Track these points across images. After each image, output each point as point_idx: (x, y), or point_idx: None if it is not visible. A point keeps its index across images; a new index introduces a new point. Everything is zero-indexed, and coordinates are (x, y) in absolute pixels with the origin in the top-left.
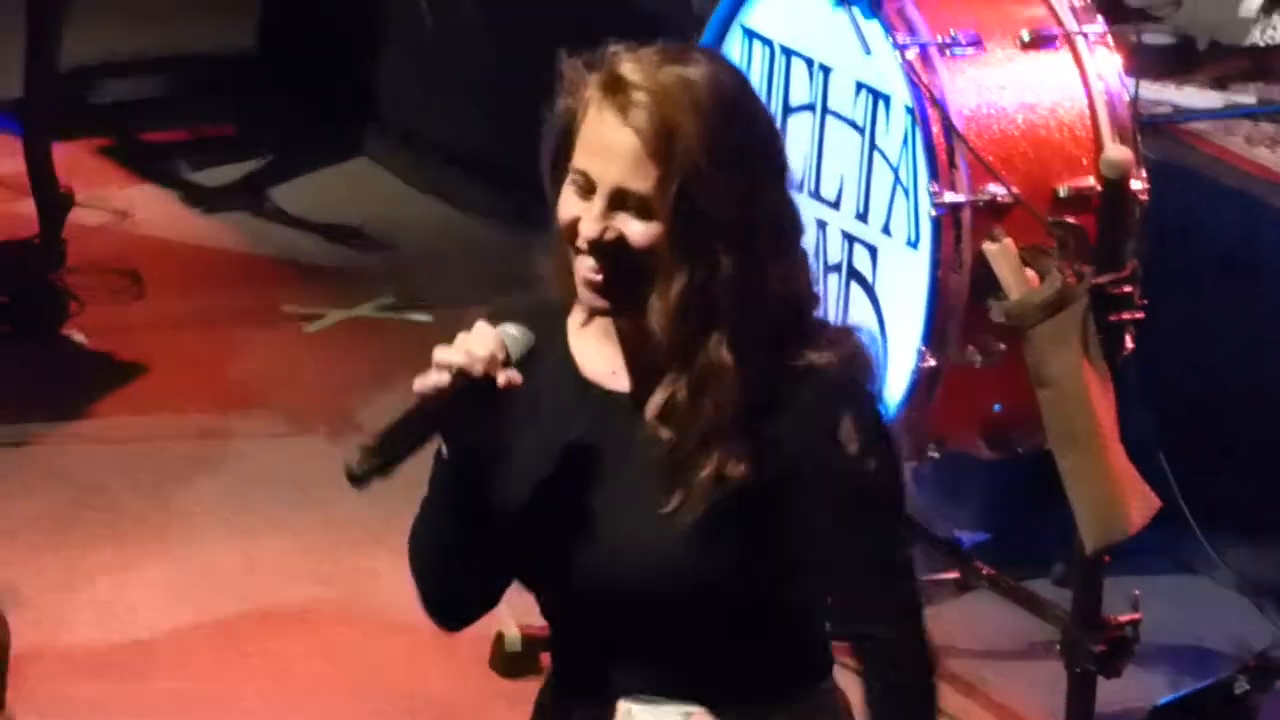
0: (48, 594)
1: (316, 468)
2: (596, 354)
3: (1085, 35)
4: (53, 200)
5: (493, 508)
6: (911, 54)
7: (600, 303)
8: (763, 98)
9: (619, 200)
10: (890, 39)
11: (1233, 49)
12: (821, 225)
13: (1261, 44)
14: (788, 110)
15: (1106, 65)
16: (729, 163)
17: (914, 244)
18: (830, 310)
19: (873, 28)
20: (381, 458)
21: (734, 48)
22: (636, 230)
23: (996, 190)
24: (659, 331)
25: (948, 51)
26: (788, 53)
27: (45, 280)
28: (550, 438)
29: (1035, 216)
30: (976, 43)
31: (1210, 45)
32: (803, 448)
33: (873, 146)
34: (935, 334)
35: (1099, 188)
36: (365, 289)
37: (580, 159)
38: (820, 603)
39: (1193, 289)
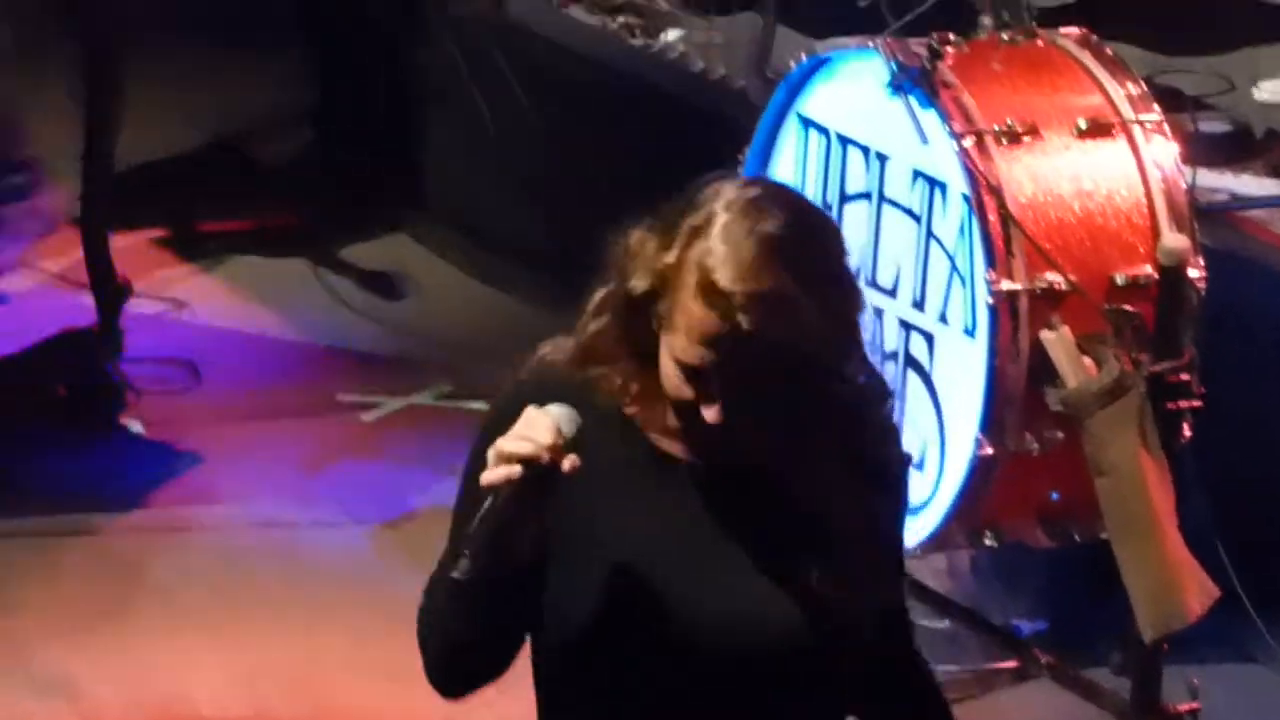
0: (106, 686)
1: (374, 558)
2: (664, 429)
3: (1142, 124)
4: (110, 291)
5: (528, 597)
6: (968, 142)
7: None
8: (819, 189)
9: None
10: (947, 128)
11: None
12: (878, 313)
13: None
14: (844, 198)
15: (1163, 153)
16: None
17: (971, 332)
18: None
19: (929, 116)
20: (475, 560)
21: (790, 136)
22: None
23: (1053, 278)
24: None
25: (1004, 140)
26: (844, 141)
27: (103, 371)
28: (638, 511)
29: (1092, 304)
30: (1033, 131)
31: (1267, 133)
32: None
33: (929, 234)
34: (993, 422)
35: (1156, 276)
36: (422, 378)
37: (684, 348)
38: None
39: (1250, 376)
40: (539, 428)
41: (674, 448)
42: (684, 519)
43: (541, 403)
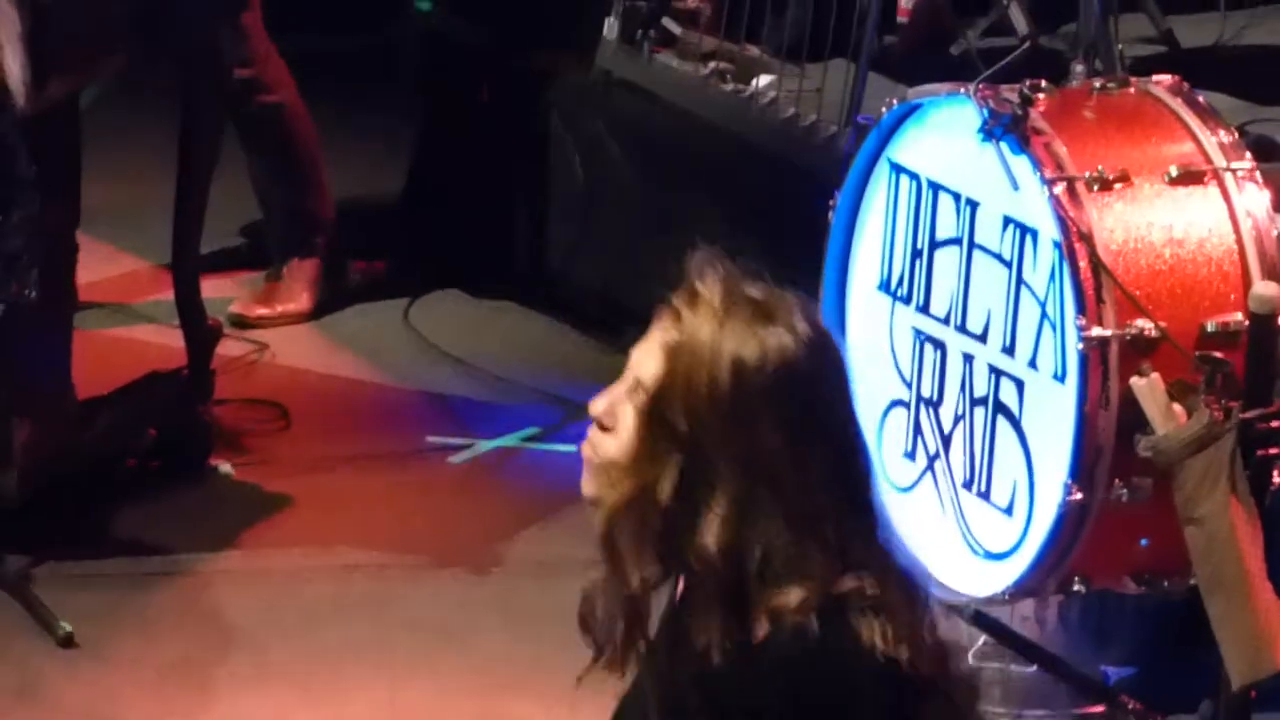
0: None
1: (460, 607)
2: None
3: (1233, 171)
4: (201, 332)
5: None
6: (1059, 189)
7: (589, 481)
8: (909, 235)
9: (633, 387)
10: (1038, 174)
11: None
12: (968, 359)
13: None
14: (934, 244)
15: (1255, 201)
16: (724, 396)
17: (1061, 378)
18: (976, 444)
19: (1020, 163)
20: None
21: (881, 181)
22: (628, 419)
23: (1144, 325)
24: (599, 531)
25: (1095, 187)
26: (935, 187)
27: (194, 413)
28: None
29: (1182, 352)
30: (1124, 178)
31: None
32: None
33: (1020, 281)
34: (1082, 469)
35: (1247, 323)
36: (511, 421)
37: None
38: None
39: None
40: None
41: None
42: None
43: None
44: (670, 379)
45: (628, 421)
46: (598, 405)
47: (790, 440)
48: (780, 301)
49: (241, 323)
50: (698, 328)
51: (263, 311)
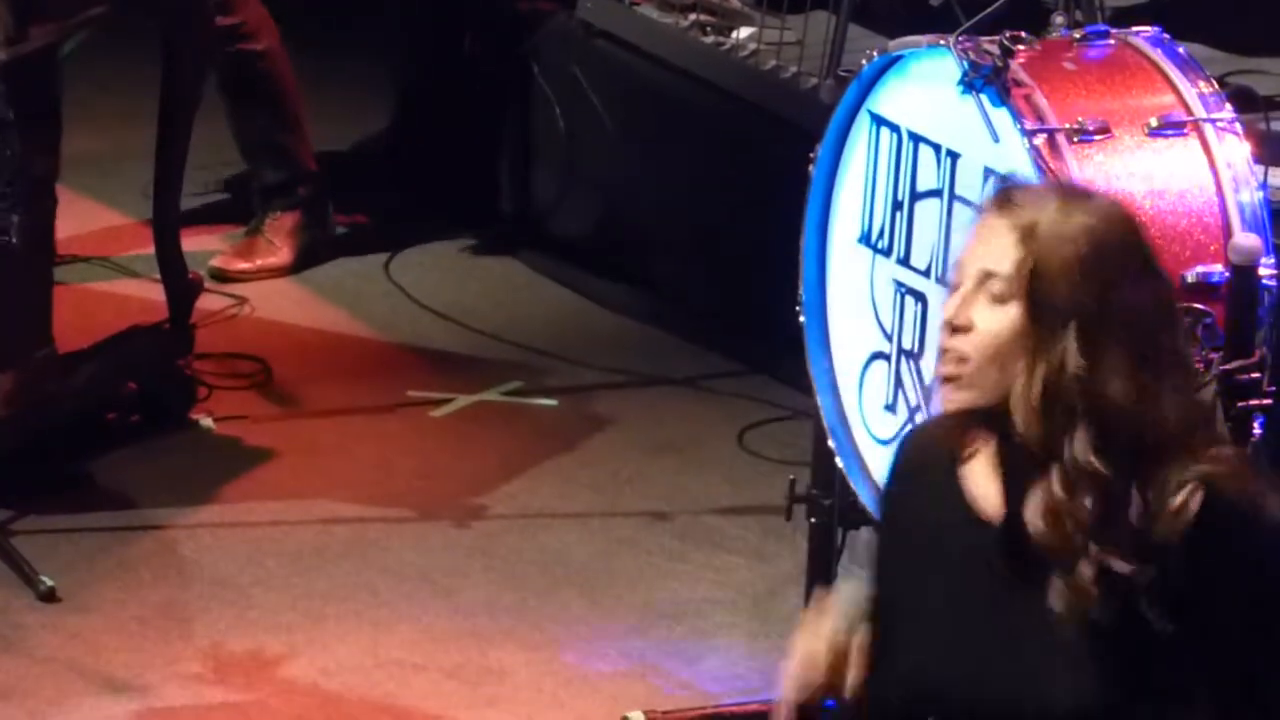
0: (175, 684)
1: (443, 555)
2: (988, 488)
3: (1214, 123)
4: (182, 287)
5: None
6: (1040, 141)
7: (955, 395)
8: (889, 186)
9: (981, 283)
10: (1018, 126)
11: None
12: None
13: None
14: (915, 196)
15: (1235, 153)
16: (1090, 261)
17: None
18: None
19: (1001, 115)
20: None
21: (862, 133)
22: (990, 315)
23: None
24: (1020, 425)
25: (1076, 138)
26: (915, 139)
27: (175, 367)
28: (959, 579)
29: None
30: (1105, 130)
31: None
32: (1201, 562)
33: None
34: None
35: (1227, 274)
36: (492, 375)
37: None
38: None
39: None
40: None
41: (997, 513)
42: (995, 590)
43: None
44: (1037, 259)
45: (1001, 315)
46: (950, 308)
47: (1153, 294)
48: (1076, 184)
49: (222, 277)
50: (1039, 211)
51: (243, 266)
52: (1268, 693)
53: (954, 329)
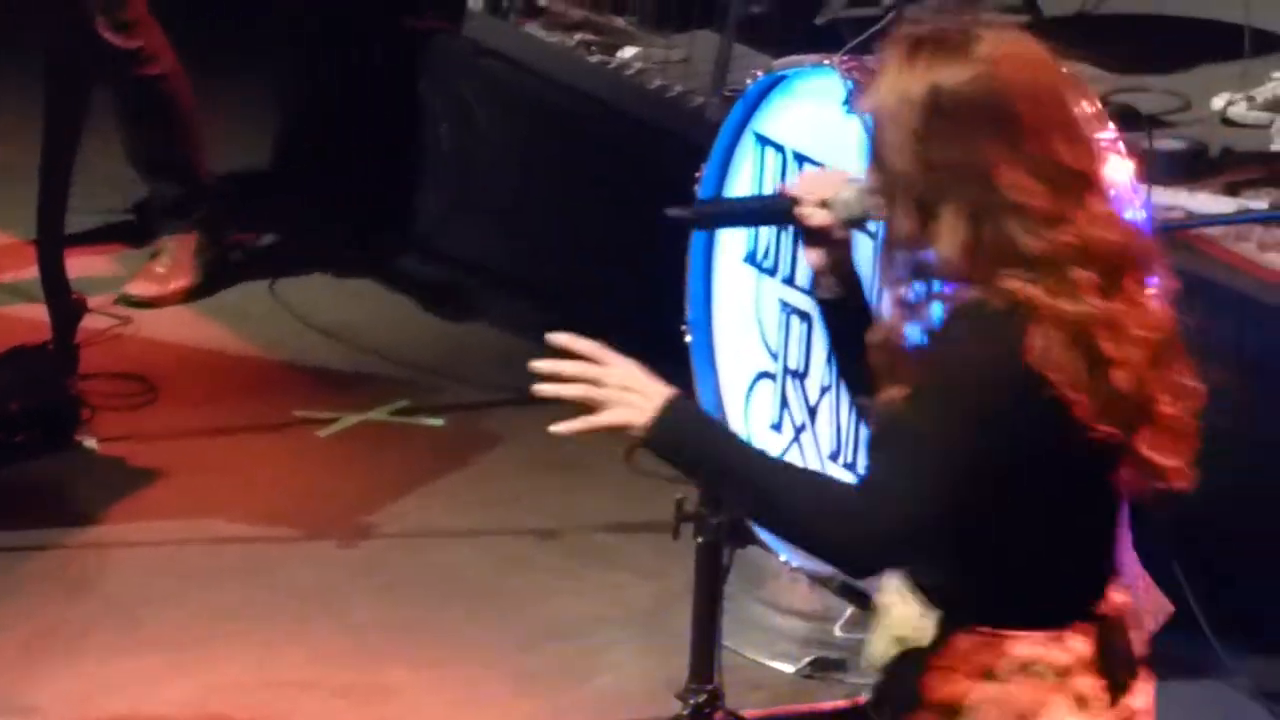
0: (61, 705)
1: (332, 574)
2: None
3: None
4: (66, 307)
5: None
6: None
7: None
8: None
9: None
10: None
11: (1245, 155)
12: None
13: (1275, 149)
14: None
15: (1119, 171)
16: (922, 134)
17: None
18: (842, 416)
19: None
20: (701, 215)
21: (746, 153)
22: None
23: None
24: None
25: None
26: (800, 159)
27: (59, 387)
28: None
29: None
30: None
31: (1222, 151)
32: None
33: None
34: None
35: None
36: (379, 394)
37: None
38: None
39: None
40: (819, 181)
41: None
42: None
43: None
44: (877, 137)
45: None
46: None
47: (998, 149)
48: (962, 35)
49: (135, 303)
50: (887, 84)
51: (156, 291)
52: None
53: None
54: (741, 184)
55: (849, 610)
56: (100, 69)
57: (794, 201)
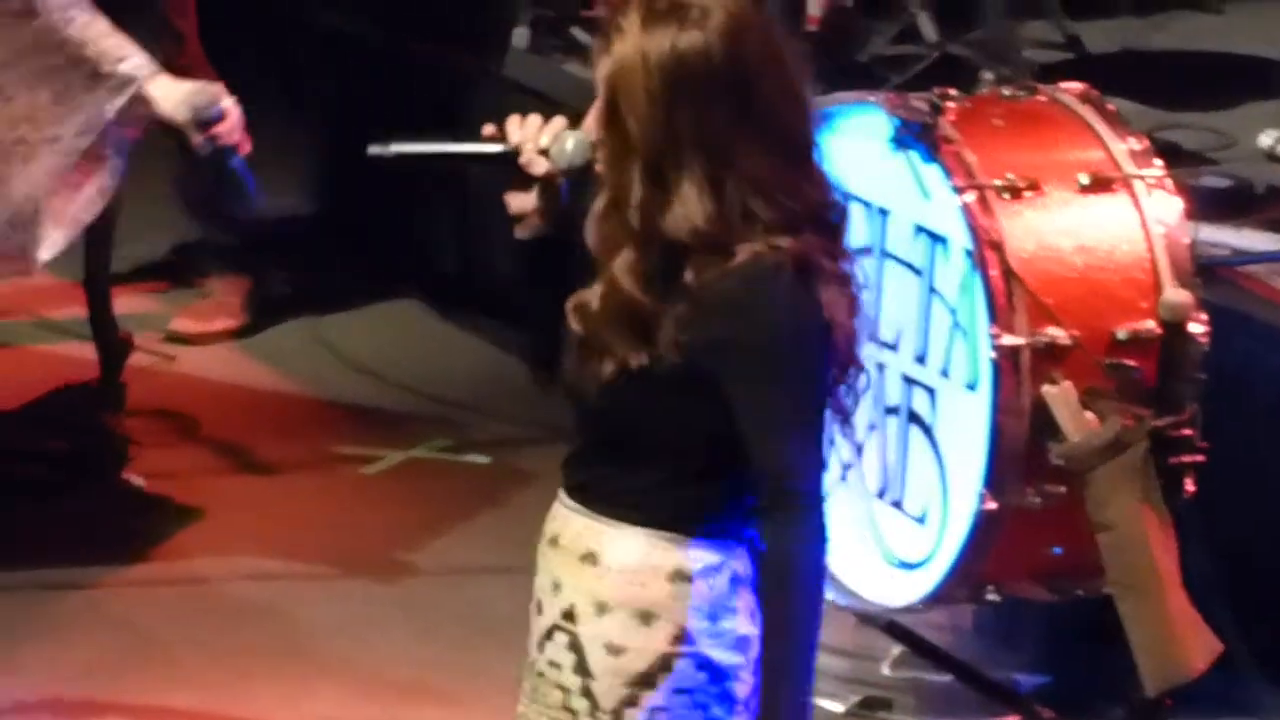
0: None
1: (371, 612)
2: None
3: (1143, 179)
4: (113, 345)
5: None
6: (970, 197)
7: None
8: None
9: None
10: (948, 183)
11: None
12: (880, 368)
13: None
14: None
15: (1165, 209)
16: (659, 99)
17: (973, 386)
18: (890, 453)
19: (931, 171)
20: (402, 156)
21: None
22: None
23: (1055, 333)
24: (589, 239)
25: (1006, 195)
26: (845, 196)
27: (105, 424)
28: None
29: (1094, 359)
30: (1035, 186)
31: (1267, 188)
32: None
33: (931, 289)
34: (995, 477)
35: (1158, 331)
36: (422, 431)
37: None
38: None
39: (1251, 432)
40: (540, 126)
41: None
42: None
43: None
44: (611, 100)
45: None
46: (586, 122)
47: (737, 118)
48: (697, 4)
49: (180, 341)
50: (624, 49)
51: (201, 329)
52: (750, 424)
53: (594, 145)
54: None
55: (895, 649)
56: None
57: (516, 150)
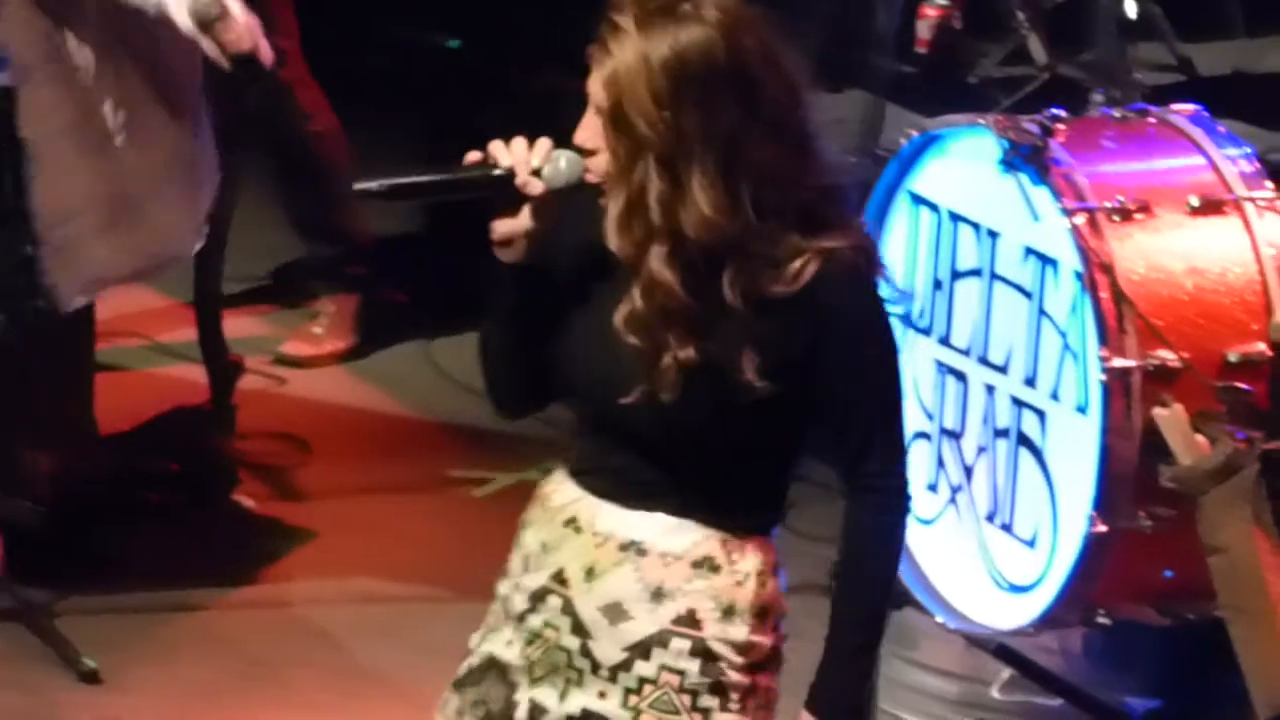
0: None
1: None
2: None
3: (1254, 200)
4: (223, 368)
5: (536, 314)
6: (1080, 220)
7: (603, 201)
8: (930, 266)
9: (598, 114)
10: (1058, 205)
11: None
12: (990, 390)
13: None
14: (955, 275)
15: (1277, 231)
16: (665, 96)
17: (1084, 409)
18: (1000, 476)
19: (1040, 194)
20: (391, 190)
21: (901, 212)
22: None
23: (1166, 355)
24: (610, 243)
25: (1116, 217)
26: (955, 218)
27: (216, 447)
28: (592, 286)
29: (1205, 382)
30: (1145, 208)
31: None
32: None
33: (1041, 311)
34: (1106, 499)
35: (1269, 353)
36: (533, 454)
37: None
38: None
39: None
40: (527, 148)
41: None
42: (602, 295)
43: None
44: (617, 101)
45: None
46: (578, 135)
47: (738, 111)
48: (689, 2)
49: (291, 363)
50: (622, 51)
51: (311, 351)
52: (861, 413)
53: (584, 151)
54: (896, 244)
55: (1005, 672)
56: (256, 131)
57: (512, 173)
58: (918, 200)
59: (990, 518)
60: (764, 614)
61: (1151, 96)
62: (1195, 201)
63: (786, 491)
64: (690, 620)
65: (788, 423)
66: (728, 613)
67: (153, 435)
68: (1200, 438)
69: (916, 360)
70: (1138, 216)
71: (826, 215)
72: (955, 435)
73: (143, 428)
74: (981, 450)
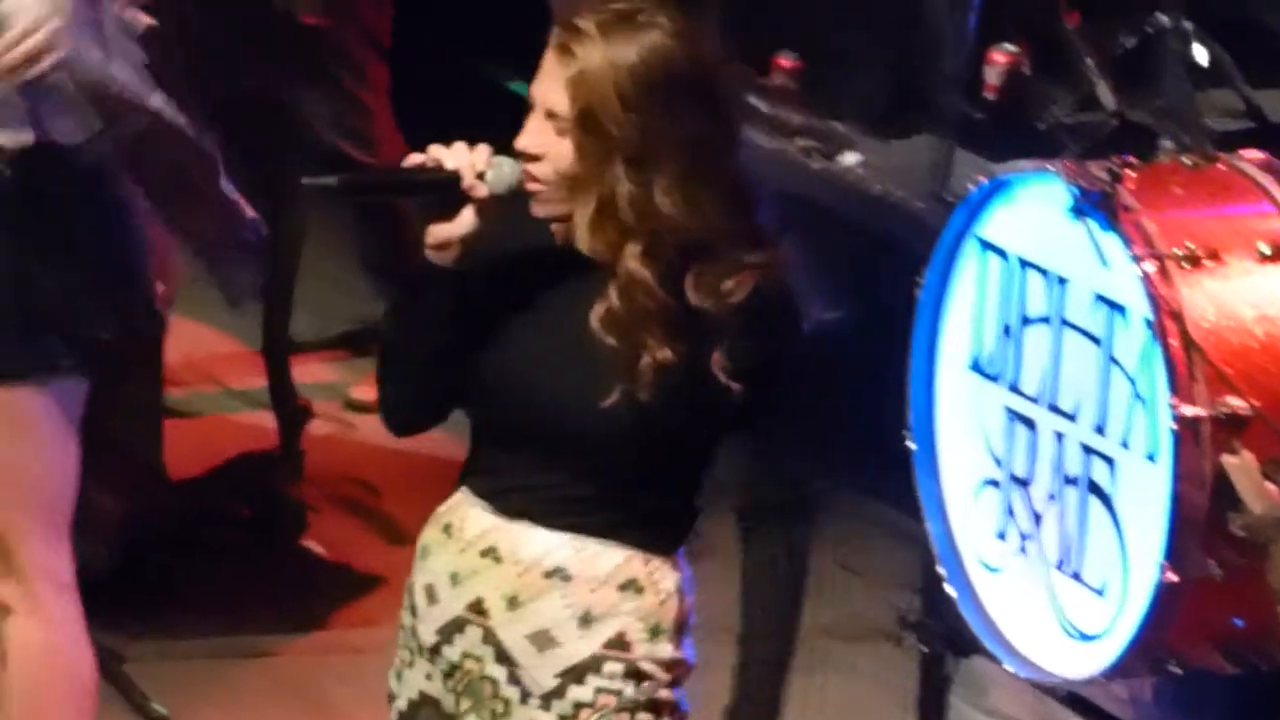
0: None
1: None
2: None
3: None
4: (292, 413)
5: (448, 323)
6: (1150, 266)
7: (540, 209)
8: (999, 312)
9: (548, 118)
10: (1128, 251)
11: None
12: (1060, 437)
13: None
14: (1025, 321)
15: None
16: (632, 98)
17: (1153, 457)
18: (1069, 524)
19: (1110, 240)
20: (342, 185)
21: (969, 259)
22: (557, 146)
23: (1236, 403)
24: (581, 244)
25: (1186, 264)
26: (1024, 264)
27: (285, 492)
28: (529, 287)
29: (1276, 430)
30: (1214, 255)
31: None
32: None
33: (1111, 358)
34: (1176, 548)
35: None
36: None
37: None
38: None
39: None
40: (470, 152)
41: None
42: (551, 303)
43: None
44: (584, 104)
45: (565, 146)
46: (523, 140)
47: (701, 119)
48: (644, 6)
49: (359, 408)
50: (587, 56)
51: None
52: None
53: (527, 156)
54: (964, 290)
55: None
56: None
57: (458, 176)
58: (986, 246)
59: (1060, 566)
60: (682, 630)
61: (1221, 143)
62: (1265, 249)
63: (694, 510)
64: (620, 643)
65: (726, 430)
66: (654, 632)
67: (222, 480)
68: (1271, 486)
69: (986, 407)
70: (1207, 263)
71: (764, 229)
72: (1024, 483)
73: (213, 473)
74: (1051, 498)
